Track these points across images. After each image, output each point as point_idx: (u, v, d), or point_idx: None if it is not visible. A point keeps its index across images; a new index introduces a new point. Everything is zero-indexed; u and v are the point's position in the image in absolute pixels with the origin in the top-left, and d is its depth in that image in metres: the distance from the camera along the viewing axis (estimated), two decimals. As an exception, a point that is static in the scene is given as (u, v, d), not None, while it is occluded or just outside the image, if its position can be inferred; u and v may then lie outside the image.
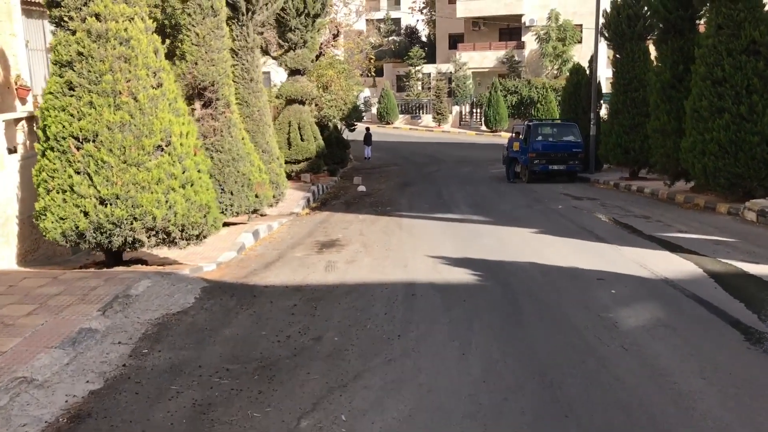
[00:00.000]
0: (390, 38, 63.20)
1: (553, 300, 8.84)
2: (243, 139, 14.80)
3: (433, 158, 35.56)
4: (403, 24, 72.47)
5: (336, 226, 16.37)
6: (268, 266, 11.49)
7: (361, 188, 24.33)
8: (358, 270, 10.96)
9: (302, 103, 24.74)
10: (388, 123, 54.11)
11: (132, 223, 9.28)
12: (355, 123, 35.62)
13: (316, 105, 27.93)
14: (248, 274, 10.76)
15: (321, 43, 26.09)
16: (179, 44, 14.32)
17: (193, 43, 14.17)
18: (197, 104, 14.55)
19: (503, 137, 44.73)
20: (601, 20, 28.36)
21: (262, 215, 17.65)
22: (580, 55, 46.12)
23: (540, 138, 25.83)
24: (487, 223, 15.97)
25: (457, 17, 54.78)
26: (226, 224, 15.18)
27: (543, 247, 12.55)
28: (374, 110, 54.55)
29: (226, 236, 13.98)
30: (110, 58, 9.30)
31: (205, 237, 10.24)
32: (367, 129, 36.24)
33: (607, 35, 25.14)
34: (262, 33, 18.96)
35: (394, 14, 73.82)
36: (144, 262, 10.69)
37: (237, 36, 17.43)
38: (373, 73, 48.30)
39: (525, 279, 10.04)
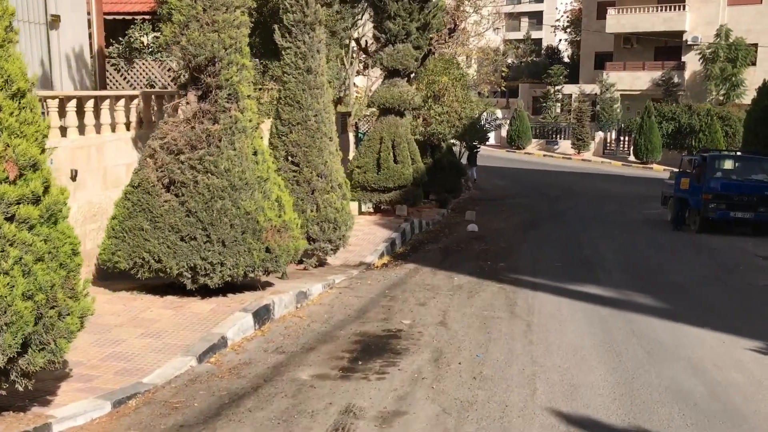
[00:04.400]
0: (528, 58, 56.71)
1: None
2: (256, 154, 8.99)
3: (570, 191, 28.96)
4: (544, 44, 66.14)
5: (411, 296, 10.37)
6: (218, 414, 5.56)
7: (472, 227, 18.39)
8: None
9: (400, 114, 18.83)
10: (518, 148, 47.73)
11: None
12: (478, 145, 29.69)
13: (424, 119, 22.04)
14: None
15: (431, 38, 20.23)
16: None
17: (183, -6, 8.66)
18: (191, 95, 8.99)
19: (655, 170, 38.06)
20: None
21: (317, 264, 11.94)
22: (753, 79, 38.26)
23: (719, 174, 19.43)
24: (660, 315, 9.50)
25: (606, 32, 47.90)
26: (225, 290, 9.38)
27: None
28: (503, 132, 48.26)
29: (210, 315, 8.28)
30: None
31: (29, 376, 4.37)
32: (475, 148, 30.33)
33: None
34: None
35: (535, 34, 67.38)
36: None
37: (290, 6, 11.81)
38: (504, 89, 42.00)
39: None
